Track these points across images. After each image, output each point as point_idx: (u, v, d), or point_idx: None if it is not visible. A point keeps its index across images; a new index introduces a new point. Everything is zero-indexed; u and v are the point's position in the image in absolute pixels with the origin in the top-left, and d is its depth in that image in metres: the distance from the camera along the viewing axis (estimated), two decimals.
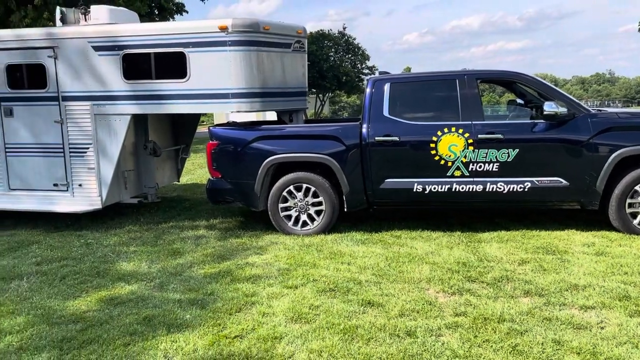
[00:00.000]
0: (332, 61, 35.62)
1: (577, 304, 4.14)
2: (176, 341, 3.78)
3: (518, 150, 5.96)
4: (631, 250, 5.34)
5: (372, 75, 6.67)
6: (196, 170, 13.31)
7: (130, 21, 7.46)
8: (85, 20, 7.27)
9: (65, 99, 6.98)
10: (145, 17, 19.31)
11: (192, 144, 9.01)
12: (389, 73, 6.91)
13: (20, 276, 5.32)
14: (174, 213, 8.05)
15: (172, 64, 6.67)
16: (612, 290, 4.33)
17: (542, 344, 3.53)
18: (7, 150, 7.23)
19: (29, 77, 7.30)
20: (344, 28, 40.38)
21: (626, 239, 5.70)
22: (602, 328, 3.74)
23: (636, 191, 5.80)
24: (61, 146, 7.07)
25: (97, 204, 7.08)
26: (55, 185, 7.16)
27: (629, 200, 5.82)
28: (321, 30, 38.07)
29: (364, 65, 38.08)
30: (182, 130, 8.60)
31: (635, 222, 5.85)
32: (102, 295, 4.73)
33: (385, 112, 6.32)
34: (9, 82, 7.13)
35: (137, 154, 7.74)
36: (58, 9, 7.40)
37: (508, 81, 6.85)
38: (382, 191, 6.31)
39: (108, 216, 7.71)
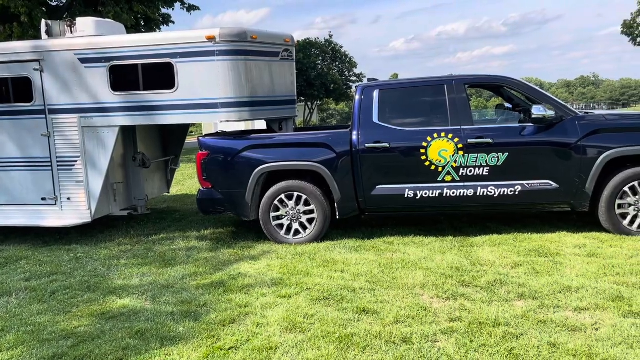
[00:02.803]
0: (319, 69, 35.71)
1: (571, 305, 4.15)
2: (170, 354, 3.73)
3: (508, 154, 5.99)
4: (622, 251, 5.37)
5: (361, 82, 6.67)
6: (186, 180, 13.23)
7: (116, 33, 7.42)
8: (71, 32, 7.22)
9: (52, 112, 6.92)
10: (132, 29, 19.25)
11: (181, 155, 8.96)
12: (377, 80, 6.93)
13: (9, 292, 5.24)
14: (164, 225, 7.98)
15: (160, 75, 6.65)
16: (605, 292, 4.34)
17: (538, 347, 3.52)
18: None
19: (15, 90, 7.22)
20: (330, 36, 40.65)
21: (617, 240, 5.73)
22: (596, 329, 3.75)
23: (625, 192, 5.84)
24: (49, 160, 7.00)
25: (86, 218, 7.00)
26: (43, 199, 7.08)
27: (618, 201, 5.86)
28: (308, 38, 38.21)
29: (351, 73, 38.24)
30: (171, 141, 8.55)
31: (625, 222, 5.89)
32: (94, 310, 4.66)
33: (375, 119, 6.33)
34: None
35: (126, 166, 7.68)
36: (43, 21, 7.34)
37: (496, 86, 6.91)
38: (374, 198, 6.31)
39: (98, 229, 7.63)
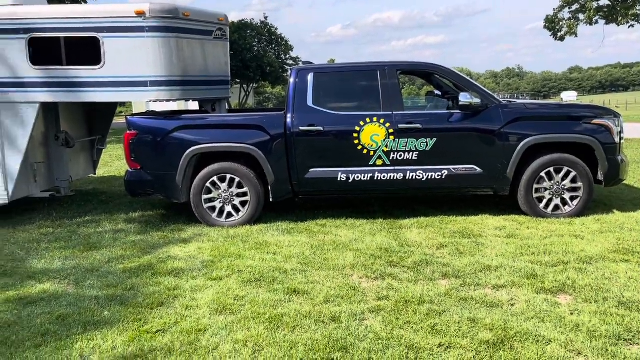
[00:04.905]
0: (255, 51, 35.21)
1: (490, 283, 4.38)
2: (93, 339, 3.62)
3: (436, 139, 6.19)
4: (537, 232, 5.72)
5: (296, 65, 6.65)
6: (114, 162, 12.74)
7: (37, 3, 6.96)
8: None
9: None
10: (56, 2, 18.11)
11: (109, 135, 8.60)
12: (312, 63, 6.94)
13: None
14: (90, 207, 7.66)
15: (85, 50, 6.32)
16: (521, 270, 4.62)
17: (459, 322, 3.71)
18: None
19: None
20: (266, 17, 40.07)
21: (533, 222, 6.10)
22: (512, 305, 3.99)
23: (542, 177, 6.21)
24: None
25: (3, 199, 6.59)
26: None
27: (535, 186, 6.23)
28: (244, 19, 37.53)
29: (287, 56, 38.02)
30: (97, 120, 8.18)
31: (541, 205, 6.27)
32: (10, 296, 4.42)
33: (310, 102, 6.34)
34: None
35: (47, 145, 7.29)
36: None
37: (427, 73, 7.09)
38: (307, 181, 6.35)
39: (16, 212, 7.20)
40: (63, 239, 6.05)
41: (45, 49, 6.41)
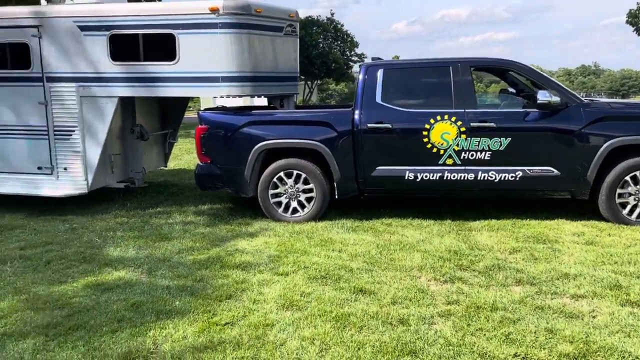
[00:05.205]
0: (320, 48, 35.34)
1: (569, 292, 4.14)
2: (165, 328, 3.71)
3: (510, 139, 5.93)
4: (620, 240, 5.36)
5: (365, 62, 6.57)
6: (183, 155, 13.14)
7: (117, 1, 7.26)
8: None
9: (50, 79, 6.80)
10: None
11: (179, 129, 8.86)
12: (381, 59, 6.83)
13: (4, 261, 5.20)
14: (161, 198, 7.93)
15: (161, 46, 6.53)
16: (603, 280, 4.34)
17: (535, 332, 3.52)
18: None
19: (13, 56, 7.09)
20: (332, 14, 40.11)
21: (615, 229, 5.72)
22: (594, 317, 3.74)
23: (626, 181, 5.81)
24: (46, 128, 6.90)
25: (82, 188, 6.93)
26: (39, 168, 7.00)
27: (618, 191, 5.83)
28: (310, 16, 37.74)
29: (352, 53, 37.87)
30: (170, 114, 8.44)
31: (625, 212, 5.88)
32: (89, 281, 4.63)
33: (378, 99, 6.25)
34: None
35: (124, 138, 7.59)
36: None
37: (502, 69, 6.80)
38: (374, 178, 6.26)
39: (94, 201, 7.56)
40: (137, 229, 6.28)
41: (124, 45, 6.67)
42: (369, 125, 6.18)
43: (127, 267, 4.97)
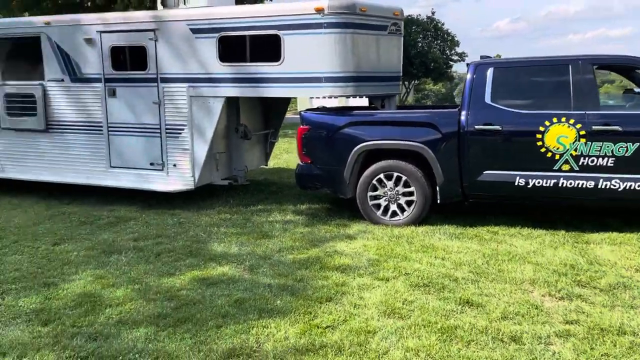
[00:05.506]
0: (419, 47, 34.63)
1: None
2: (267, 327, 3.73)
3: (638, 144, 5.36)
4: None
5: (475, 60, 6.26)
6: (282, 154, 13.40)
7: (226, 4, 7.51)
8: (184, 3, 7.41)
9: (164, 80, 7.17)
10: (237, 3, 19.64)
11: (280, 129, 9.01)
12: (490, 57, 6.48)
13: (119, 250, 5.53)
14: (261, 196, 8.10)
15: (267, 47, 6.64)
16: None
17: None
18: (109, 129, 7.56)
19: (131, 58, 7.58)
20: (433, 13, 39.11)
21: None
22: None
23: None
24: (158, 127, 7.29)
25: (190, 184, 7.24)
26: (151, 164, 7.41)
27: None
28: (409, 15, 37.11)
29: (453, 52, 36.73)
30: (272, 114, 8.60)
31: None
32: (195, 275, 4.79)
33: (487, 99, 5.92)
34: (113, 63, 7.43)
35: (228, 137, 7.84)
36: None
37: (629, 67, 6.17)
38: (480, 183, 5.94)
39: (199, 197, 7.88)
40: (239, 225, 6.44)
41: (232, 47, 6.88)
42: (476, 126, 5.87)
43: (230, 263, 5.09)
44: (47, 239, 5.97)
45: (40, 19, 7.80)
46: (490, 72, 5.96)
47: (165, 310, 4.02)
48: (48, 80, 7.73)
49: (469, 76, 6.10)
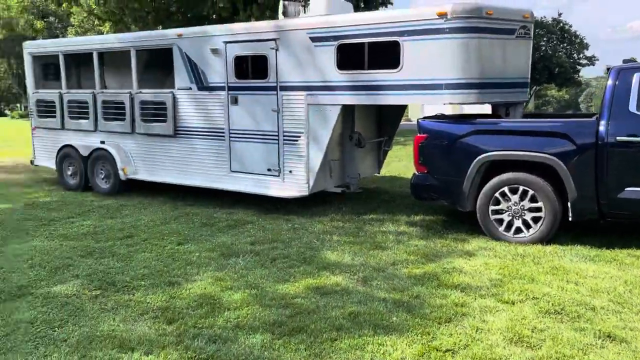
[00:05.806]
0: (543, 51, 32.54)
1: None
2: (383, 344, 3.58)
3: None
4: None
5: (618, 65, 5.65)
6: (393, 162, 13.18)
7: (345, 11, 7.51)
8: (304, 12, 7.53)
9: (283, 88, 7.32)
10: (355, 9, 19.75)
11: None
12: (635, 61, 5.81)
13: (237, 254, 5.69)
14: (374, 205, 7.97)
15: (385, 54, 6.52)
16: None
17: None
18: (231, 135, 7.88)
19: (253, 67, 7.83)
20: (559, 15, 36.58)
21: None
22: None
23: None
24: (276, 134, 7.46)
25: (304, 191, 7.31)
26: (268, 170, 7.59)
27: None
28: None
29: (581, 55, 34.06)
30: (386, 121, 8.46)
31: None
32: (309, 283, 4.77)
33: (632, 108, 5.31)
34: (236, 72, 7.73)
35: (343, 144, 7.82)
36: (281, 2, 7.79)
37: None
38: (621, 201, 5.33)
39: (313, 203, 7.95)
40: (351, 234, 6.37)
41: (350, 55, 6.85)
42: (618, 138, 5.29)
43: (343, 273, 5.01)
44: (172, 238, 6.32)
45: (173, 32, 8.35)
46: (636, 78, 5.34)
47: (281, 318, 4.03)
48: (178, 89, 8.25)
49: (610, 82, 5.51)
